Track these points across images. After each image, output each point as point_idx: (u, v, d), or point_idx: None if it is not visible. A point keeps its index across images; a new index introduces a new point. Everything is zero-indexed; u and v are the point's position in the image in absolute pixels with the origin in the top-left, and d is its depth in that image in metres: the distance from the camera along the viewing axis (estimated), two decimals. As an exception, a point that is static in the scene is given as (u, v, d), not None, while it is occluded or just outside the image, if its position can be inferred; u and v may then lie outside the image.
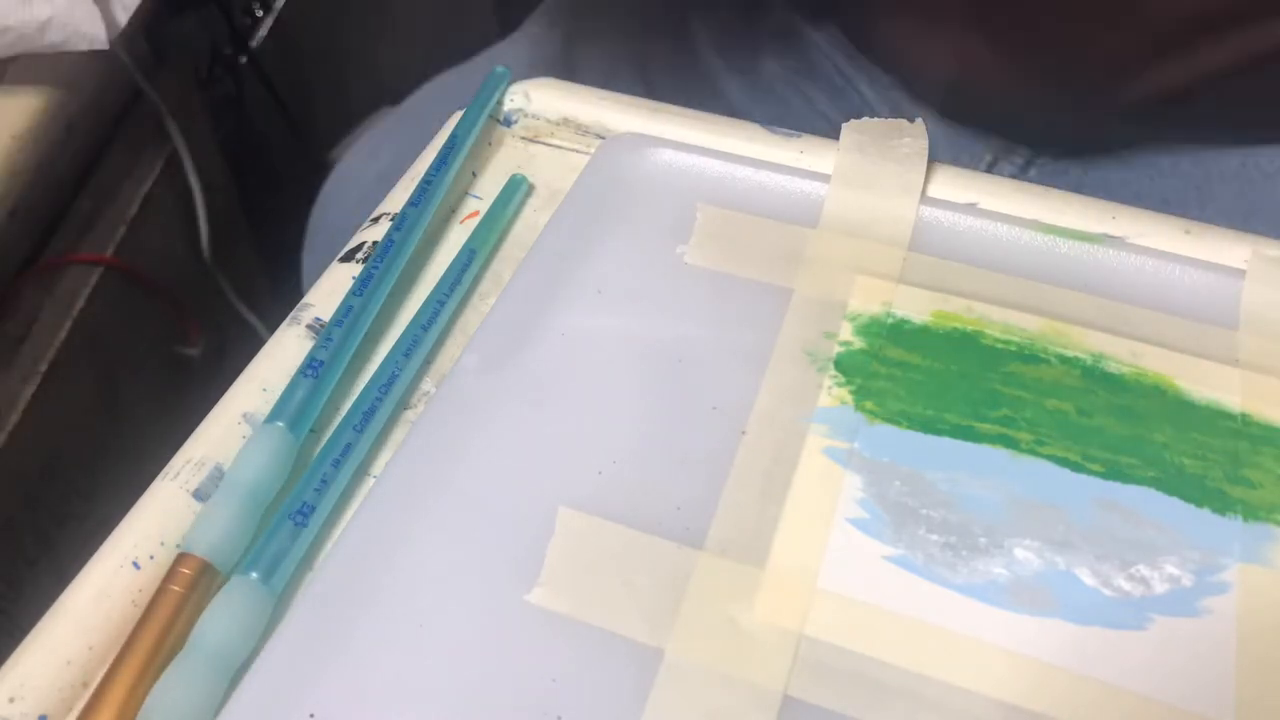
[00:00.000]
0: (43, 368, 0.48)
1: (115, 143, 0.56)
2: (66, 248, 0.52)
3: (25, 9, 0.42)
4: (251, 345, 0.25)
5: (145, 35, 0.57)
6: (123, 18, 0.44)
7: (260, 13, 0.69)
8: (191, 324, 0.59)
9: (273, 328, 0.26)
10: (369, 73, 0.83)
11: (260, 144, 0.71)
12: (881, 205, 0.27)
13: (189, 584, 0.20)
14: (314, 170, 0.76)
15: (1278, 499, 0.21)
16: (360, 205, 0.29)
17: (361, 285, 0.25)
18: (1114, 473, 0.22)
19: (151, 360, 0.59)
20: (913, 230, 0.26)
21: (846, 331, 0.24)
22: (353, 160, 0.49)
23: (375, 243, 0.27)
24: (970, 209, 0.27)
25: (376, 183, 0.41)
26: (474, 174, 0.30)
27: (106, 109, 0.54)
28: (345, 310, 0.25)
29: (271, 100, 0.71)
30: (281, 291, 0.53)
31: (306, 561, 0.22)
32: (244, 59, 0.67)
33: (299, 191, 0.54)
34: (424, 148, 0.29)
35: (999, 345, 0.24)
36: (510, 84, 0.31)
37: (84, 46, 0.43)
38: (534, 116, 0.31)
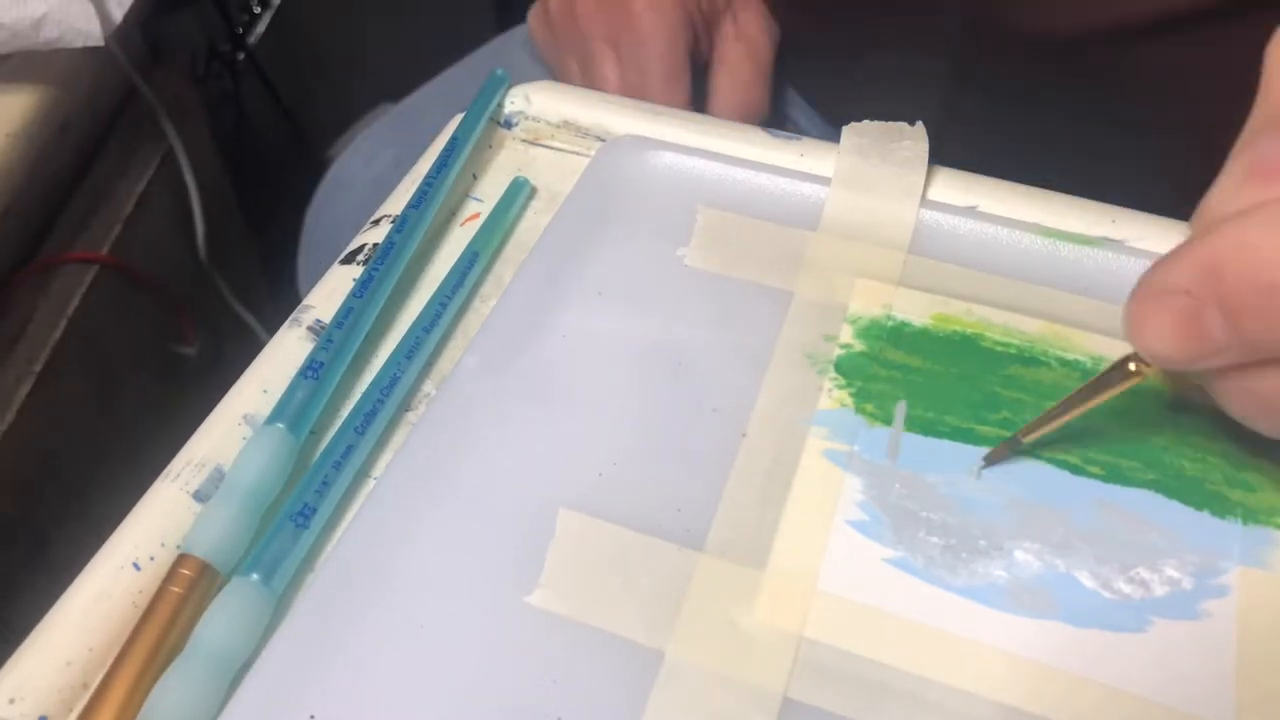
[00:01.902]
0: (38, 367, 0.48)
1: (110, 141, 0.56)
2: (61, 247, 0.52)
3: (20, 6, 0.41)
4: (248, 344, 0.25)
5: (141, 32, 0.57)
6: (118, 14, 0.43)
7: (258, 9, 0.69)
8: (187, 323, 0.59)
9: (269, 327, 0.26)
10: (367, 70, 0.82)
11: (257, 141, 0.71)
12: (882, 208, 0.27)
13: (189, 585, 0.20)
14: (312, 168, 0.76)
15: (1277, 502, 0.21)
16: (356, 209, 0.28)
17: (362, 287, 0.25)
18: (1114, 475, 0.22)
19: (147, 359, 0.58)
20: (913, 233, 0.26)
21: (847, 334, 0.24)
22: (348, 161, 0.49)
23: (376, 245, 0.27)
24: (970, 212, 0.27)
25: (372, 186, 0.41)
26: (474, 176, 0.30)
27: (102, 107, 0.54)
28: (346, 312, 0.25)
29: (269, 97, 0.71)
30: (278, 290, 0.53)
31: (307, 563, 0.22)
32: (241, 56, 0.67)
33: (296, 189, 0.54)
34: (421, 149, 0.29)
35: (999, 348, 0.24)
36: (510, 86, 0.31)
37: (79, 44, 0.43)
38: (534, 119, 0.31)
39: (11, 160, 0.46)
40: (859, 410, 0.23)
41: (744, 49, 0.38)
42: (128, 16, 0.44)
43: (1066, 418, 0.21)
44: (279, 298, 0.51)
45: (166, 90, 0.57)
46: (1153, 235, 0.26)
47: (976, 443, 0.23)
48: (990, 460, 0.22)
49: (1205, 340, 0.17)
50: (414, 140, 0.29)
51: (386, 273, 0.26)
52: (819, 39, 0.41)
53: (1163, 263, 0.18)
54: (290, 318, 0.26)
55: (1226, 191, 0.18)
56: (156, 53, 0.59)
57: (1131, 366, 0.20)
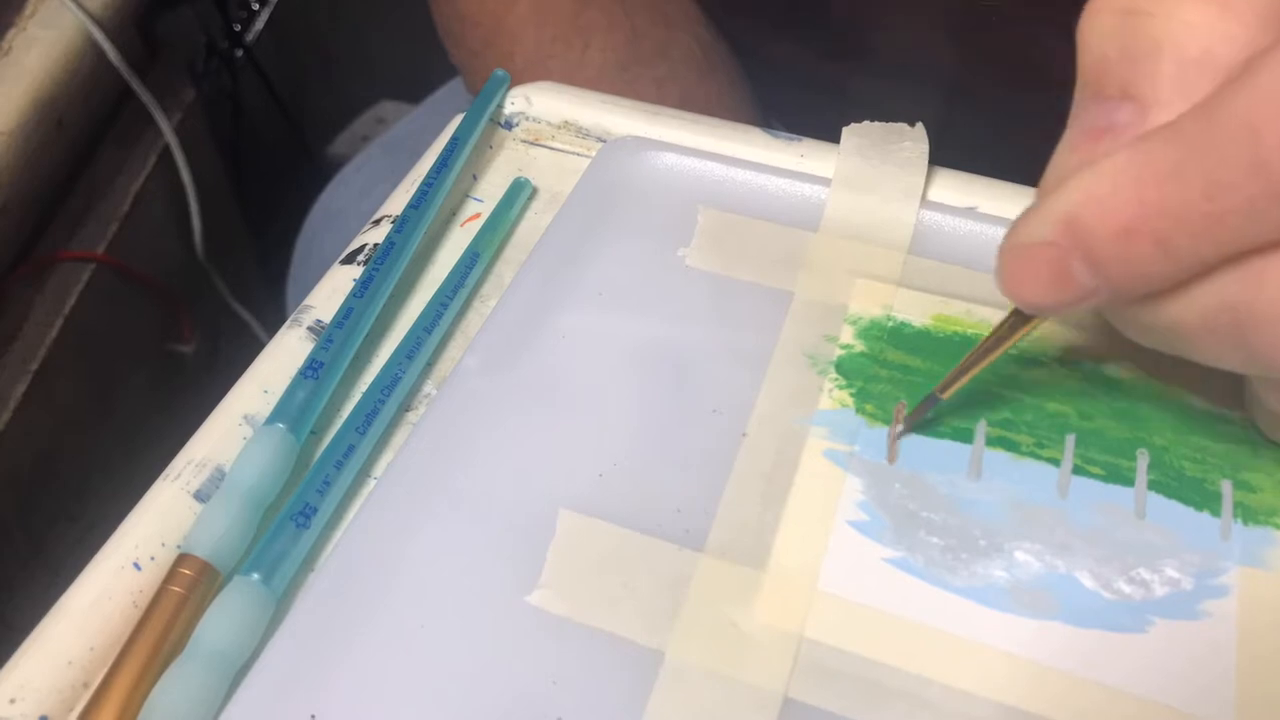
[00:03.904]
0: (34, 366, 0.48)
1: (107, 138, 0.56)
2: (57, 245, 0.52)
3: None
4: (245, 342, 0.25)
5: (138, 29, 0.57)
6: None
7: (256, 6, 0.68)
8: (185, 321, 0.59)
9: (267, 324, 0.26)
10: (366, 67, 0.82)
11: (255, 139, 0.70)
12: (882, 209, 0.27)
13: (189, 585, 0.20)
14: (310, 165, 0.76)
15: (1277, 502, 0.21)
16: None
17: (362, 287, 0.25)
18: (1114, 476, 0.22)
19: (145, 357, 0.58)
20: (913, 234, 0.26)
21: (847, 334, 0.25)
22: (338, 192, 0.49)
23: (376, 245, 0.27)
24: (970, 213, 0.27)
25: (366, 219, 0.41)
26: (475, 177, 0.30)
27: (98, 104, 0.54)
28: (346, 312, 0.25)
29: (267, 95, 0.71)
30: (276, 287, 0.53)
31: (308, 563, 0.22)
32: (239, 53, 0.67)
33: (294, 187, 0.54)
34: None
35: (999, 349, 0.24)
36: (511, 87, 0.31)
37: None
38: (535, 119, 0.31)
39: (7, 158, 0.46)
40: (859, 410, 0.23)
41: None
42: (124, 12, 0.43)
43: (976, 370, 0.22)
44: (276, 294, 0.51)
45: (163, 88, 0.57)
46: (1152, 236, 0.26)
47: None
48: (911, 420, 0.23)
49: (1074, 286, 0.18)
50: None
51: (387, 273, 0.26)
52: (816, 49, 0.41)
53: (1024, 218, 0.19)
54: (290, 318, 0.26)
55: (1065, 155, 0.19)
56: (154, 50, 0.59)
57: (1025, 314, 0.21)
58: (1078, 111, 0.19)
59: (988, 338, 0.21)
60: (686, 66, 0.40)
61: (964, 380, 0.22)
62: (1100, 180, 0.18)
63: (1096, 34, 0.19)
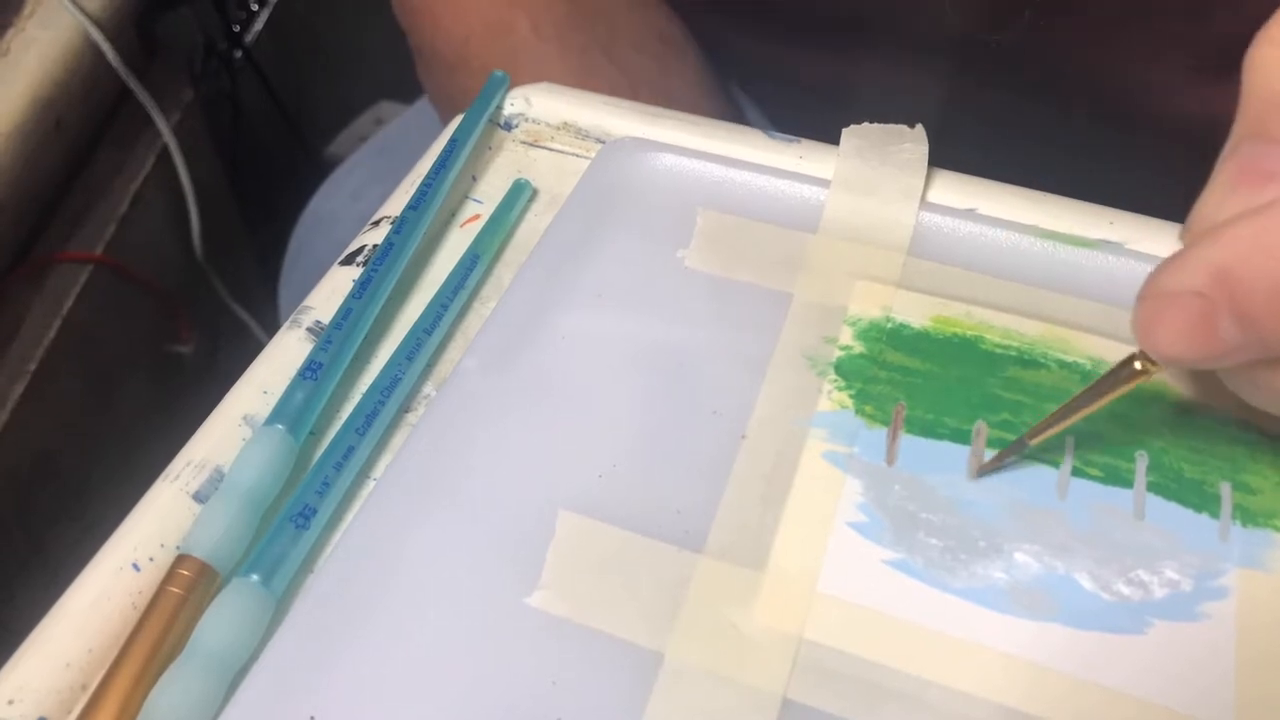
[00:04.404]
0: (32, 367, 0.48)
1: (105, 139, 0.56)
2: (56, 246, 0.52)
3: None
4: (244, 342, 0.25)
5: (136, 30, 0.57)
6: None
7: (255, 7, 0.68)
8: (183, 322, 0.59)
9: (266, 325, 0.26)
10: (365, 68, 0.82)
11: (254, 140, 0.71)
12: (881, 210, 0.27)
13: (188, 586, 0.20)
14: (309, 166, 0.75)
15: (1276, 504, 0.21)
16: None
17: (361, 288, 0.25)
18: (1113, 477, 0.22)
19: (143, 358, 0.58)
20: (912, 235, 0.26)
21: (846, 336, 0.25)
22: (329, 194, 0.49)
23: (375, 246, 0.27)
24: (969, 214, 0.27)
25: (359, 222, 0.41)
26: (474, 178, 0.30)
27: (96, 105, 0.54)
28: (345, 313, 0.25)
29: (266, 96, 0.71)
30: (274, 288, 0.53)
31: (307, 564, 0.22)
32: (238, 54, 0.67)
33: (293, 187, 0.54)
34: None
35: (998, 350, 0.24)
36: (510, 88, 0.31)
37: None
38: (534, 121, 0.31)
39: (5, 159, 0.46)
40: (859, 412, 0.23)
41: None
42: (122, 12, 0.43)
43: (1074, 419, 0.21)
44: (275, 295, 0.51)
45: (162, 88, 0.57)
46: (1150, 237, 0.26)
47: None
48: (996, 462, 0.22)
49: (1218, 341, 0.17)
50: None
51: (385, 274, 0.26)
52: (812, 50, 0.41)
53: (1171, 264, 0.18)
54: (290, 318, 0.26)
55: (1218, 197, 0.18)
56: (153, 50, 0.59)
57: (1138, 365, 0.20)
58: (1238, 147, 0.18)
59: (1100, 380, 0.20)
60: (648, 53, 0.39)
61: (1060, 427, 0.21)
62: (1264, 232, 0.16)
63: (1267, 68, 0.18)
